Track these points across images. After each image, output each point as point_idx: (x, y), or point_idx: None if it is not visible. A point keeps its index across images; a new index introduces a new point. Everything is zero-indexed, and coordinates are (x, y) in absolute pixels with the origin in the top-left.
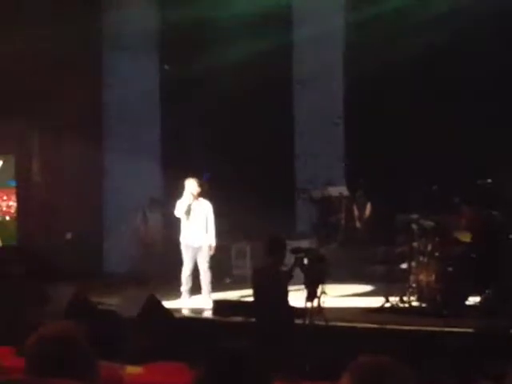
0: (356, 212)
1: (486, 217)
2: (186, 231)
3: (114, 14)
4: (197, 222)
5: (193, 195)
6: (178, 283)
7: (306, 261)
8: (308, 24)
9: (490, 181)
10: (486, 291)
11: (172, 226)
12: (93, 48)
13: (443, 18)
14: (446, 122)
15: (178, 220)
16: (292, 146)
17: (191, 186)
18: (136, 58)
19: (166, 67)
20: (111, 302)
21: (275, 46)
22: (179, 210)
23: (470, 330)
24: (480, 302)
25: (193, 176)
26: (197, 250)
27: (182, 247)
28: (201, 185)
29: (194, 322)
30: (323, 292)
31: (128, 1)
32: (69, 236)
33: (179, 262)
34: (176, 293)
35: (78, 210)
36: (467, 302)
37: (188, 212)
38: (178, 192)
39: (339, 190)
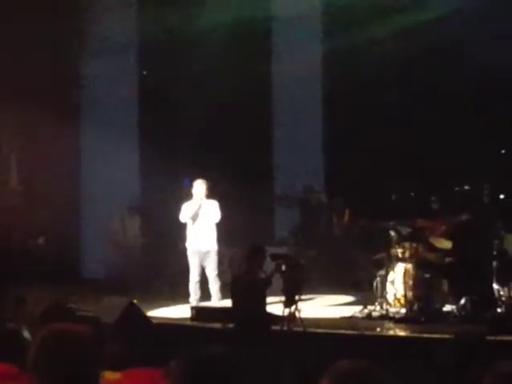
0: (335, 219)
1: (464, 223)
2: (193, 235)
3: (93, 17)
4: (204, 225)
5: (201, 198)
6: (157, 288)
7: (284, 267)
8: (286, 31)
9: (467, 187)
10: (464, 297)
11: (150, 232)
12: (70, 52)
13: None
14: (424, 127)
15: (157, 225)
16: (270, 153)
17: (200, 188)
18: (115, 63)
19: (145, 73)
20: (90, 308)
21: (253, 52)
22: (186, 213)
23: (446, 337)
24: (457, 309)
25: (200, 177)
26: (204, 255)
27: (189, 253)
28: (209, 186)
29: (173, 328)
30: (300, 299)
31: (108, 6)
32: (41, 240)
33: (158, 268)
34: (155, 298)
35: (53, 213)
36: (445, 309)
37: (195, 216)
38: (156, 197)
39: (318, 197)
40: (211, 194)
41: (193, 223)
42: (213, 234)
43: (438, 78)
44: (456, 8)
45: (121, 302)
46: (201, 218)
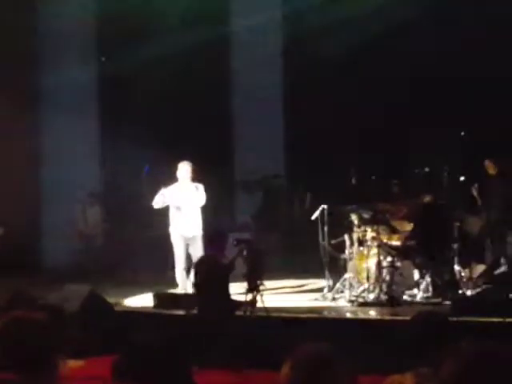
0: (296, 203)
1: (425, 205)
2: (178, 220)
3: (50, 6)
4: (189, 210)
5: (185, 180)
6: (119, 276)
7: (245, 252)
8: (246, 16)
9: (427, 169)
10: (426, 279)
11: (110, 219)
12: (28, 42)
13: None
14: (384, 110)
15: (117, 213)
16: (231, 138)
17: (184, 170)
18: (72, 52)
19: (103, 59)
20: (51, 296)
21: (213, 37)
22: (162, 199)
23: (409, 318)
24: (420, 291)
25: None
26: (190, 241)
27: (173, 238)
28: (194, 169)
29: (135, 315)
30: (262, 284)
31: None
32: (1, 231)
33: (119, 256)
34: (117, 285)
35: (14, 203)
36: (407, 291)
37: (179, 199)
38: (116, 185)
39: (279, 182)
40: (196, 176)
41: (176, 208)
42: (198, 219)
43: (398, 62)
44: None
45: (82, 290)
46: (185, 202)
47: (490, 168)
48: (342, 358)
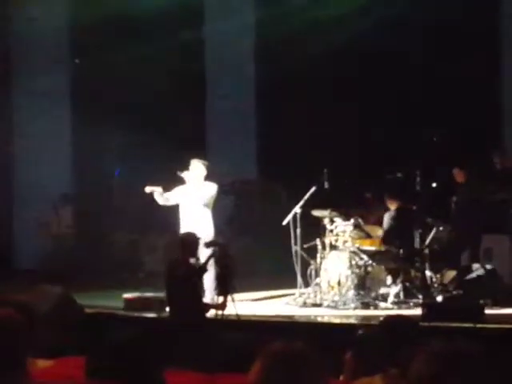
0: (269, 207)
1: (397, 211)
2: (186, 222)
3: (24, 9)
4: (191, 210)
5: (196, 179)
6: (91, 278)
7: (217, 256)
8: (219, 19)
9: (399, 175)
10: (398, 284)
11: (82, 221)
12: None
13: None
14: (356, 114)
15: (90, 214)
16: (203, 141)
17: (200, 168)
18: (46, 53)
19: (77, 61)
20: (23, 297)
21: (187, 41)
22: (177, 196)
23: (377, 323)
24: (392, 295)
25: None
26: (206, 245)
27: None
28: (208, 167)
29: (106, 317)
30: (233, 287)
31: None
32: None
33: (91, 257)
34: (88, 287)
35: None
36: (379, 295)
37: (183, 199)
38: (88, 186)
39: (253, 185)
40: (210, 175)
41: (184, 208)
42: (201, 220)
43: (371, 66)
44: None
45: (54, 292)
46: (188, 201)
47: (458, 176)
48: (313, 355)
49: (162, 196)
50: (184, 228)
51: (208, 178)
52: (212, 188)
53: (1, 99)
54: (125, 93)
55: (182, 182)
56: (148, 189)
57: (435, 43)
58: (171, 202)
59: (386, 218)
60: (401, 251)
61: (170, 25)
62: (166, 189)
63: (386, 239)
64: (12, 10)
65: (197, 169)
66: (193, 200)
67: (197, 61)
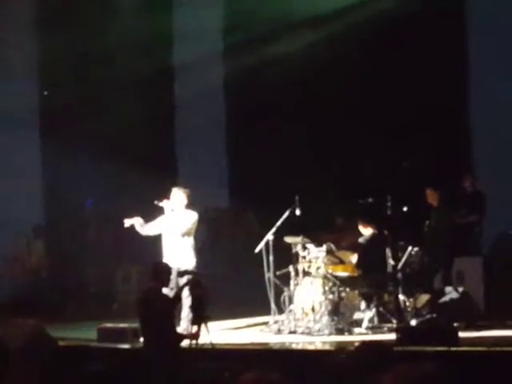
0: (242, 234)
1: (368, 236)
2: (167, 251)
3: None
4: (172, 239)
5: (178, 207)
6: (63, 310)
7: (190, 285)
8: (189, 46)
9: (371, 200)
10: (371, 309)
11: (55, 253)
12: None
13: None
14: (328, 140)
15: (63, 246)
16: (175, 171)
17: (180, 197)
18: (15, 84)
19: (45, 93)
20: None
21: (157, 67)
22: (159, 226)
23: (352, 349)
24: (365, 320)
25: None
26: (180, 274)
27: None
28: (189, 195)
29: (80, 350)
30: (206, 316)
31: (8, 26)
32: None
33: (64, 290)
34: (61, 320)
35: None
36: (353, 320)
37: (165, 228)
38: (61, 218)
39: (224, 214)
40: (190, 203)
41: (165, 237)
42: (182, 250)
43: (340, 93)
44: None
45: (27, 325)
46: (169, 230)
47: (431, 197)
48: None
49: (143, 227)
50: (166, 257)
51: (188, 206)
52: (193, 216)
53: None
54: (94, 122)
55: (160, 211)
56: (127, 222)
57: (404, 68)
58: (153, 232)
59: (360, 243)
60: (373, 276)
61: (141, 52)
62: (145, 219)
63: (359, 264)
64: None
65: (177, 197)
66: (173, 229)
67: (167, 89)
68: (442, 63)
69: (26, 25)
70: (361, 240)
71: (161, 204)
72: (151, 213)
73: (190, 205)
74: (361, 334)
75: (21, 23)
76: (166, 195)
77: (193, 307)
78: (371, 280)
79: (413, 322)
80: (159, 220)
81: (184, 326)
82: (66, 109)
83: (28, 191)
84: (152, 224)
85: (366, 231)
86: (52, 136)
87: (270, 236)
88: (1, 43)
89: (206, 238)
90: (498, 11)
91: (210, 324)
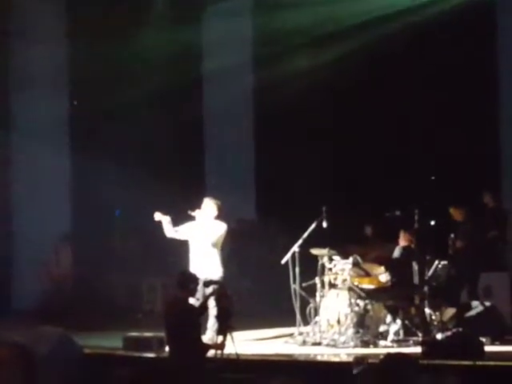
0: (268, 247)
1: (404, 247)
2: (194, 261)
3: (23, 51)
4: (201, 249)
5: (208, 217)
6: (90, 319)
7: (216, 295)
8: (217, 58)
9: (398, 213)
10: (397, 322)
11: (82, 262)
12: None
13: None
14: (356, 153)
15: (90, 254)
16: (202, 182)
17: (211, 207)
18: (45, 94)
19: (75, 103)
20: (21, 339)
21: (186, 78)
22: (186, 231)
23: (376, 361)
24: (391, 333)
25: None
26: (206, 284)
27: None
28: (220, 207)
29: (105, 358)
30: (231, 326)
31: (37, 38)
32: None
33: (90, 298)
34: (87, 328)
35: None
36: (379, 333)
37: (195, 238)
38: (89, 226)
39: (251, 226)
40: (220, 215)
41: (192, 246)
42: (210, 260)
43: (371, 104)
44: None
45: (54, 333)
46: (198, 239)
47: (455, 214)
48: None
49: (170, 226)
50: (193, 266)
51: (218, 217)
52: (221, 227)
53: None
54: (124, 132)
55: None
56: (157, 216)
57: (431, 81)
58: (179, 236)
59: (384, 256)
60: (400, 289)
61: (170, 64)
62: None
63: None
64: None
65: (208, 207)
66: (201, 238)
67: (196, 100)
68: (471, 78)
69: (56, 36)
70: (396, 254)
71: (193, 214)
72: (179, 223)
73: (220, 216)
74: (386, 346)
75: (51, 35)
76: (193, 207)
77: (218, 317)
78: (397, 293)
79: (438, 336)
80: (188, 226)
81: (209, 335)
82: (94, 119)
83: (56, 200)
84: (180, 227)
85: (404, 242)
86: (81, 146)
87: (296, 248)
88: (31, 54)
89: (232, 250)
90: None
91: (236, 334)
